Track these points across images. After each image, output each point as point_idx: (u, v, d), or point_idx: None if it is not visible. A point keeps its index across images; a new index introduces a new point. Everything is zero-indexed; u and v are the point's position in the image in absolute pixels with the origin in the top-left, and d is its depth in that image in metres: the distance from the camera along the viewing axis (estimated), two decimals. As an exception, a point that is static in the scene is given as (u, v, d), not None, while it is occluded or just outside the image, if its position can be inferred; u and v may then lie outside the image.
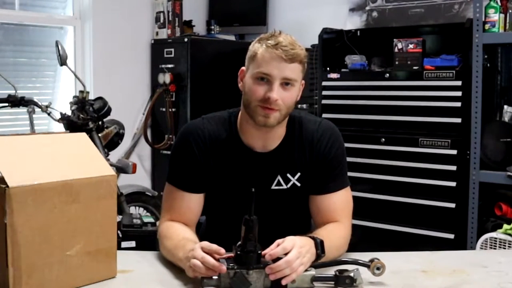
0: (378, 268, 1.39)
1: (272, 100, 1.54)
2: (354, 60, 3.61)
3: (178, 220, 1.63)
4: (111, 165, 2.63)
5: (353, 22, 4.02)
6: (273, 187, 1.67)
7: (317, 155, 1.67)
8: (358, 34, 3.71)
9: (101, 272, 1.37)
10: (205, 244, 1.36)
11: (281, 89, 1.55)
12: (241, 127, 1.66)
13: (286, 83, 1.56)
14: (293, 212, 1.71)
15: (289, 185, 1.67)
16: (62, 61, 2.85)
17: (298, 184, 1.67)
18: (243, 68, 1.64)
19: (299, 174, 1.67)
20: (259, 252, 1.32)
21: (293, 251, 1.33)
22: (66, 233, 1.29)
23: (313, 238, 1.44)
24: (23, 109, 3.06)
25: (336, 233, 1.58)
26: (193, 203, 1.66)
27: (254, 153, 1.66)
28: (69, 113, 2.95)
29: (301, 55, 1.57)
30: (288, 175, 1.67)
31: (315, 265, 1.40)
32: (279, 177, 1.67)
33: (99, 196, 1.34)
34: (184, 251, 1.42)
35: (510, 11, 3.06)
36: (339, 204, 1.66)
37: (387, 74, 3.44)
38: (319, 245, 1.43)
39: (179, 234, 1.55)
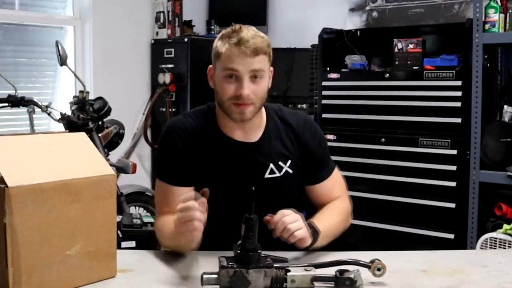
0: (378, 269, 1.39)
1: (244, 96, 1.58)
2: (354, 60, 3.61)
3: (172, 213, 1.64)
4: (111, 165, 2.63)
5: (353, 22, 4.03)
6: (267, 175, 1.70)
7: (304, 147, 1.74)
8: (358, 34, 3.71)
9: (101, 271, 1.37)
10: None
11: (251, 83, 1.59)
12: (220, 121, 1.70)
13: (254, 76, 1.59)
14: (287, 198, 1.72)
15: (282, 173, 1.71)
16: (62, 61, 2.85)
17: (290, 171, 1.73)
18: (210, 66, 1.67)
19: (289, 161, 1.73)
20: (259, 251, 1.32)
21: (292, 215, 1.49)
22: (66, 233, 1.28)
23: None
24: (23, 109, 3.06)
25: (336, 210, 1.71)
26: (182, 196, 1.66)
27: (239, 144, 1.68)
28: (69, 113, 2.95)
29: (263, 47, 1.59)
30: (280, 163, 1.71)
31: (315, 264, 1.40)
32: (271, 166, 1.70)
33: (99, 196, 1.34)
34: None
35: (510, 11, 3.06)
36: (333, 185, 1.78)
37: (387, 74, 3.44)
38: (309, 227, 1.53)
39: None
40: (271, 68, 1.68)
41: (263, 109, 1.71)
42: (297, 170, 1.74)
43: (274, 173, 1.70)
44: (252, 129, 1.69)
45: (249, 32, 1.59)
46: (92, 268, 1.35)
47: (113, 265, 1.40)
